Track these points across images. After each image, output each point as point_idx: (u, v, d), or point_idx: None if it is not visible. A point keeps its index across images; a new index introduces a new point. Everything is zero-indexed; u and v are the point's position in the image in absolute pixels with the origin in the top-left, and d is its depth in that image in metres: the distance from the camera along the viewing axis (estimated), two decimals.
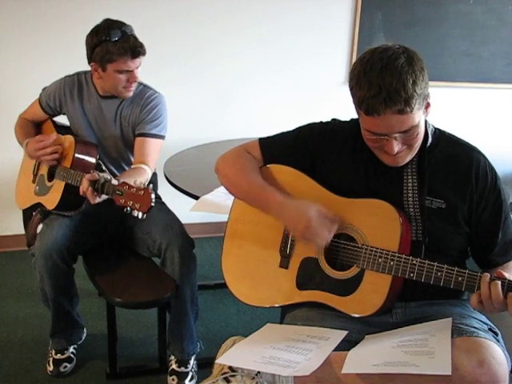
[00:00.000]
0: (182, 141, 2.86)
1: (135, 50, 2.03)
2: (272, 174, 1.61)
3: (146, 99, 2.19)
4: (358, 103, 1.35)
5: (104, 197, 1.83)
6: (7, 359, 2.33)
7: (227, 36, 3.38)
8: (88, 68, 2.21)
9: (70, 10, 3.08)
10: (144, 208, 1.68)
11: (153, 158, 2.16)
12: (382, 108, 1.29)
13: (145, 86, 2.24)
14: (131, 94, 2.16)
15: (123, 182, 1.74)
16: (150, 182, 2.34)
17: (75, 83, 2.23)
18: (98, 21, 2.06)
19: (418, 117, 1.34)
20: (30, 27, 3.07)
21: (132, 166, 2.15)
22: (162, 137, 2.21)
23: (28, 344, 2.44)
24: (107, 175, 1.84)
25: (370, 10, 3.51)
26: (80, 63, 2.14)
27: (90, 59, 2.09)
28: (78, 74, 2.26)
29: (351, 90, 1.37)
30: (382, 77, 1.29)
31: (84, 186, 1.82)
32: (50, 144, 2.11)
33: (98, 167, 1.99)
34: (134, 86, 2.15)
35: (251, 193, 1.57)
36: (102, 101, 2.20)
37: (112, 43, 2.01)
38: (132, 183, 1.72)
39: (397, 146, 1.37)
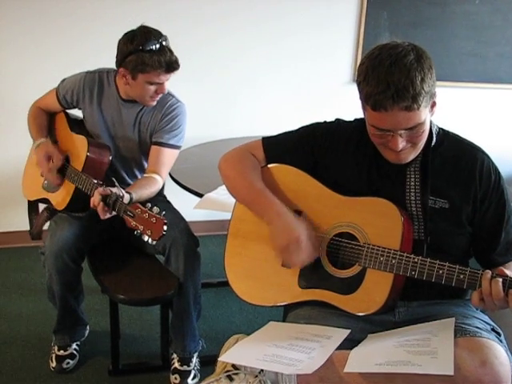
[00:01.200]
0: (186, 139, 2.86)
1: (171, 64, 1.99)
2: (274, 174, 1.60)
3: (167, 108, 2.16)
4: (365, 98, 1.34)
5: (114, 213, 1.83)
6: (10, 355, 2.34)
7: (232, 35, 3.38)
8: (92, 67, 2.20)
9: (71, 9, 3.06)
10: (155, 236, 1.68)
11: (166, 168, 2.16)
12: (389, 104, 1.29)
13: (167, 92, 2.17)
14: (155, 103, 2.13)
15: (136, 204, 1.73)
16: None
17: (96, 82, 2.18)
18: (100, 19, 2.03)
19: (425, 114, 1.34)
20: (30, 26, 3.06)
21: (144, 175, 2.14)
22: (178, 147, 2.19)
23: (31, 340, 2.44)
24: (119, 191, 1.83)
25: (376, 10, 3.50)
26: (81, 62, 2.12)
27: (120, 65, 2.04)
28: (100, 71, 2.20)
29: (358, 85, 1.37)
30: (391, 73, 1.29)
31: (96, 200, 1.82)
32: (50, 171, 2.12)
33: (110, 182, 1.96)
34: (159, 97, 2.11)
35: (249, 196, 1.57)
36: (122, 104, 2.16)
37: (148, 54, 1.96)
38: (145, 206, 1.71)
39: (401, 143, 1.37)
